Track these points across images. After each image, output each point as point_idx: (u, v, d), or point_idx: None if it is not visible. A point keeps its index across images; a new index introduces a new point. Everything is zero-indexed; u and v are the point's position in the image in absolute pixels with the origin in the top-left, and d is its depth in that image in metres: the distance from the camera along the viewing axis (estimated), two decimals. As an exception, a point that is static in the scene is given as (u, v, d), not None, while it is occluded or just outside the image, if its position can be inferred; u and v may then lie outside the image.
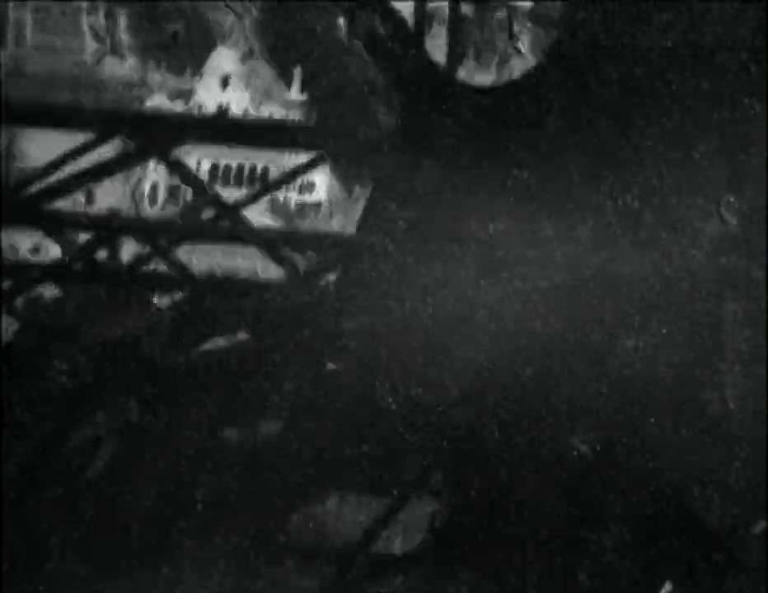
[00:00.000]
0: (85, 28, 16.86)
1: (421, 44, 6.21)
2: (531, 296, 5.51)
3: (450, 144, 5.96)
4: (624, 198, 5.60)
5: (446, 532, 6.02)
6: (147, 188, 14.26)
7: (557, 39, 5.98)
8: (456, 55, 6.43)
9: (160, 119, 8.15)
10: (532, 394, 5.67)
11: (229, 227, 7.54)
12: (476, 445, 5.79)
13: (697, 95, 5.40)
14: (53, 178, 7.51)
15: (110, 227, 7.47)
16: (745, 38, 5.28)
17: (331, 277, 6.64)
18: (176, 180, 17.02)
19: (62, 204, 7.66)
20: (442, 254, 5.83)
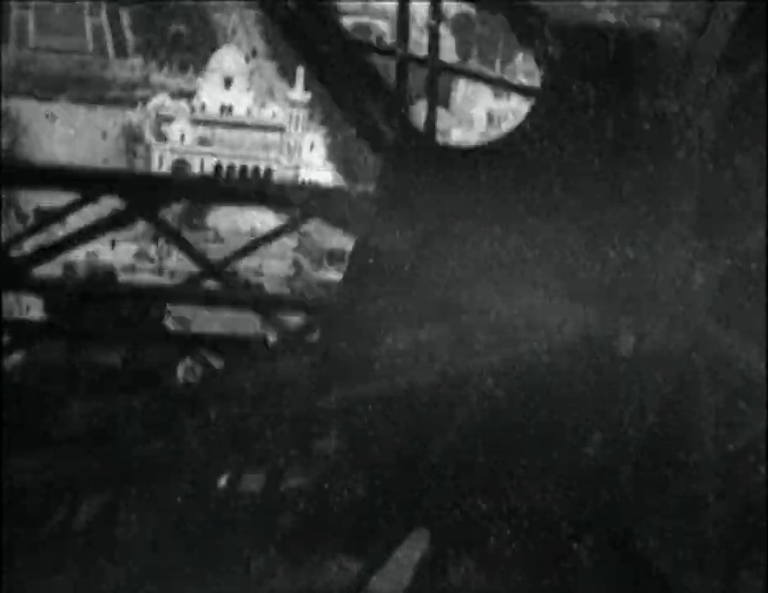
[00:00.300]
0: (87, 28, 16.90)
1: (403, 107, 6.23)
2: (516, 360, 5.52)
3: (431, 206, 5.96)
4: (605, 261, 5.65)
5: (432, 572, 6.02)
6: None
7: (534, 106, 6.01)
8: (435, 118, 6.48)
9: (147, 180, 8.00)
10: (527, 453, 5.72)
11: (219, 291, 7.35)
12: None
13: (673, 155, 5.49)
14: (40, 239, 7.35)
15: (95, 290, 7.33)
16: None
17: (313, 338, 6.56)
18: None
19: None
20: (425, 318, 5.78)
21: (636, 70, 5.51)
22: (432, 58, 6.34)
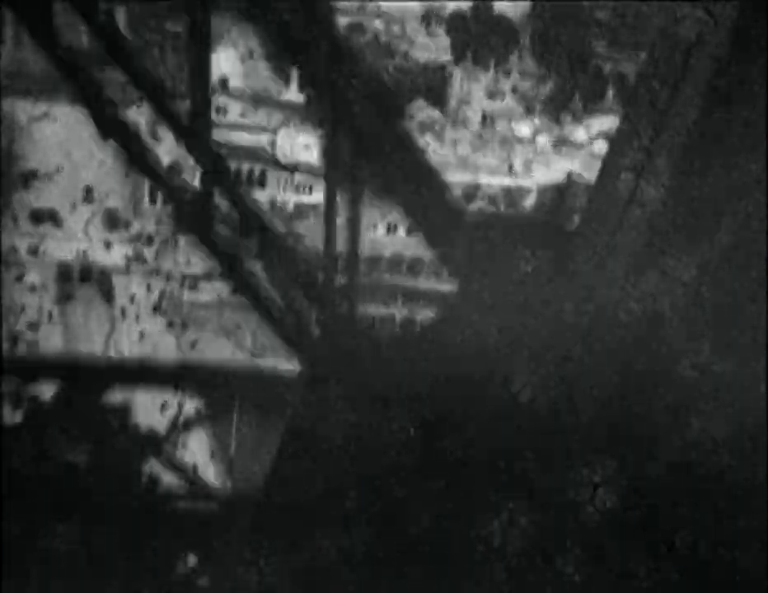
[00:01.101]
0: (83, 27, 16.74)
1: (332, 301, 6.45)
2: None
3: (362, 386, 6.12)
4: None
5: None
6: (146, 188, 14.19)
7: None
8: (356, 305, 6.68)
9: (84, 365, 8.14)
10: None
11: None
12: None
13: None
14: None
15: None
16: None
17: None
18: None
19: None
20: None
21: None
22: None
